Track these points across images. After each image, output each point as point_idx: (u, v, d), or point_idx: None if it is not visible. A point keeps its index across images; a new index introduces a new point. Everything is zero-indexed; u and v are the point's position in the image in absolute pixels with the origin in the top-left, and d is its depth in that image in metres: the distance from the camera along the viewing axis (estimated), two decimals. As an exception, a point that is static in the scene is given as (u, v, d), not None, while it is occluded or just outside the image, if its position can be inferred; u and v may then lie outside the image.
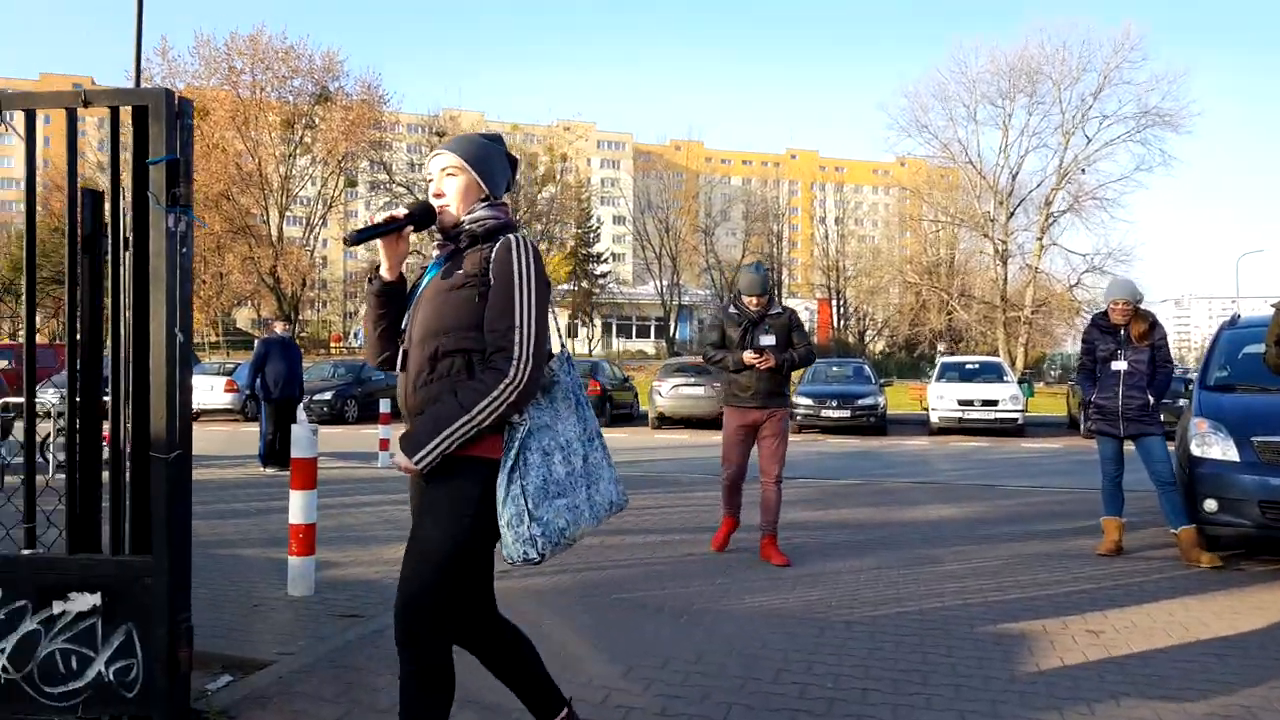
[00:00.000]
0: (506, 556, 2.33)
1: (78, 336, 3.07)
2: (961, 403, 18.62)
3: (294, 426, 5.13)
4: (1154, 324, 6.42)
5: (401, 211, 2.45)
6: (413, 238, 2.56)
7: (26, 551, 3.07)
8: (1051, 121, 46.45)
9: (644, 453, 14.63)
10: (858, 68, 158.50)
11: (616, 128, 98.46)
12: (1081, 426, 5.68)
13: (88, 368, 3.08)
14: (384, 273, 2.49)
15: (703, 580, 5.47)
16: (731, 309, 6.25)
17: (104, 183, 3.16)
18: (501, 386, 2.26)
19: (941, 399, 18.91)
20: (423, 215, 2.45)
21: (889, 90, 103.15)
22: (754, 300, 6.13)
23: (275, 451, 10.60)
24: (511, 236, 2.41)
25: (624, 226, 76.38)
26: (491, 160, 2.51)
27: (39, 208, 3.17)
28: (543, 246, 54.39)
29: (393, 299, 2.51)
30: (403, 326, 2.48)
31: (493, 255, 2.37)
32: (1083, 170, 45.41)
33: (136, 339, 3.01)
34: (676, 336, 58.88)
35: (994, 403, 18.46)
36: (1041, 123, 46.74)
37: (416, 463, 2.26)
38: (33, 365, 3.09)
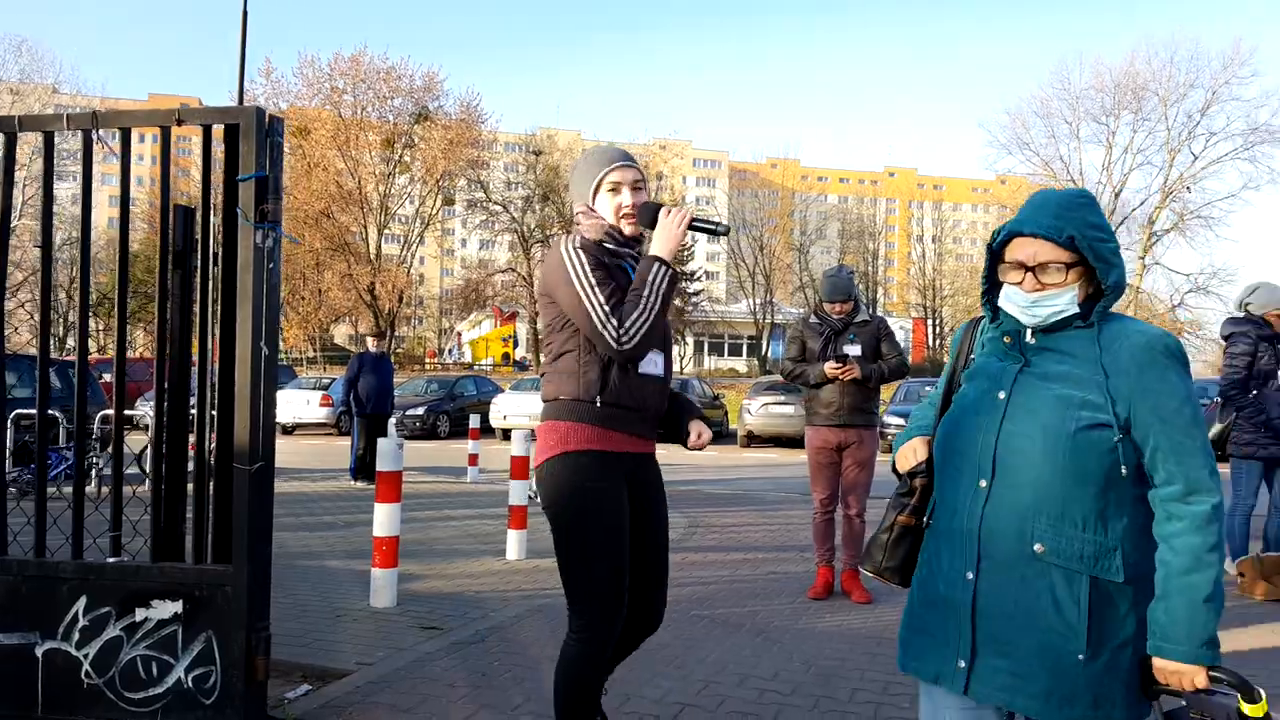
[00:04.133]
0: None
1: (167, 350, 3.15)
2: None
3: (381, 441, 5.22)
4: None
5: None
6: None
7: (112, 559, 3.15)
8: (1157, 139, 44.94)
9: (732, 470, 14.49)
10: (958, 85, 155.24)
11: (712, 145, 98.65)
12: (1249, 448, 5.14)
13: (176, 381, 3.16)
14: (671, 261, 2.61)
15: (785, 599, 5.33)
16: (813, 318, 5.64)
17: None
18: None
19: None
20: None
21: (990, 107, 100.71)
22: (837, 307, 5.51)
23: (366, 465, 10.83)
24: None
25: (718, 245, 76.25)
26: None
27: (144, 225, 3.27)
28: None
29: None
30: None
31: None
32: (1188, 188, 43.79)
33: (223, 353, 3.08)
34: (769, 355, 58.35)
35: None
36: (1146, 140, 45.32)
37: None
38: (122, 378, 3.18)
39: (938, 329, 66.58)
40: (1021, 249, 1.82)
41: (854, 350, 5.41)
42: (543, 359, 2.71)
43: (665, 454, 2.82)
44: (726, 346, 61.17)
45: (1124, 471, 1.72)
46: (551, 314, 2.62)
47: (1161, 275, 45.88)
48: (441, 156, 43.20)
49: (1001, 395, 1.82)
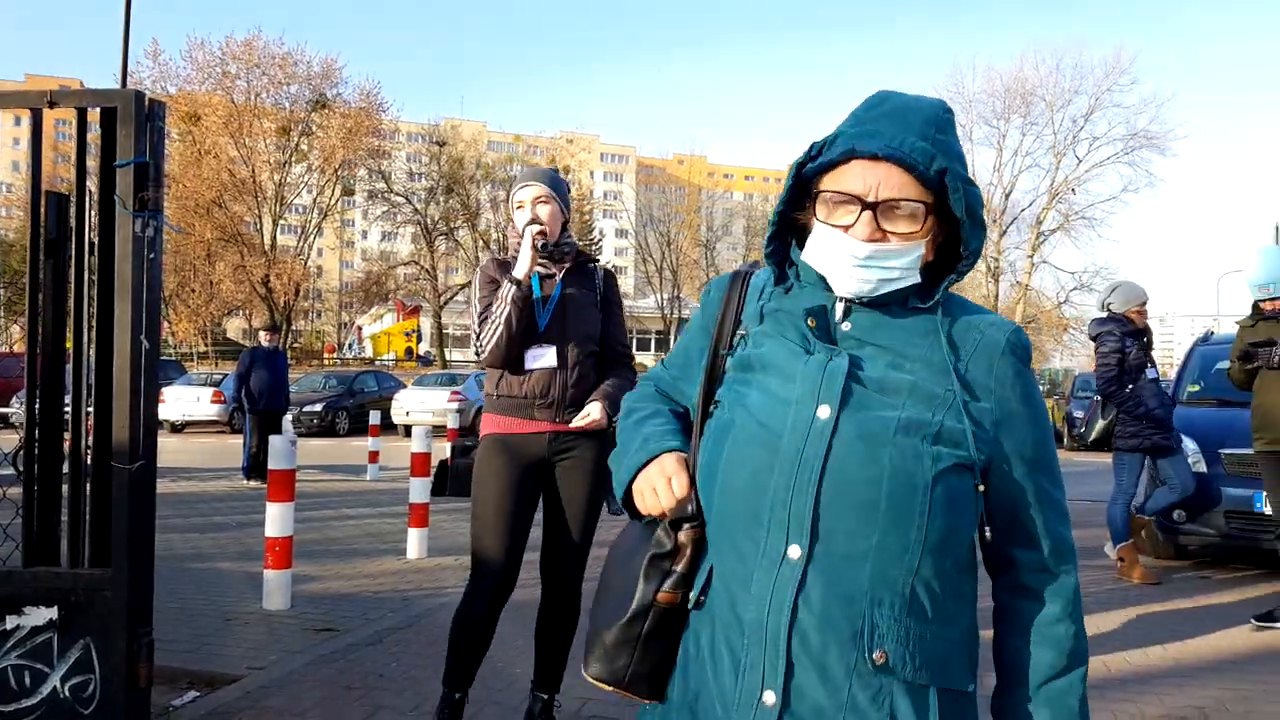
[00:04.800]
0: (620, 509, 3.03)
1: (38, 343, 2.99)
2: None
3: (272, 438, 5.06)
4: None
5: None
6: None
7: (-19, 564, 2.98)
8: (1044, 142, 46.93)
9: (635, 466, 14.55)
10: (861, 85, 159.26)
11: (620, 140, 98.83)
12: (1151, 439, 5.40)
13: (50, 376, 3.01)
14: (522, 279, 2.93)
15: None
16: None
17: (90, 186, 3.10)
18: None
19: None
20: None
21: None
22: None
23: (259, 464, 10.49)
24: (606, 267, 3.21)
25: (626, 240, 76.41)
26: (565, 188, 3.08)
27: (19, 212, 3.10)
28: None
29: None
30: (541, 328, 2.97)
31: (603, 280, 3.15)
32: (1073, 190, 45.92)
33: (100, 346, 2.94)
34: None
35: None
36: (1034, 143, 47.21)
37: (612, 422, 2.93)
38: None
39: (838, 324, 68.35)
40: (860, 175, 1.17)
41: None
42: None
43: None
44: (634, 341, 61.46)
45: (974, 532, 1.20)
46: None
47: (1049, 273, 48.01)
48: (340, 145, 42.05)
49: (824, 413, 1.16)
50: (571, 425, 2.94)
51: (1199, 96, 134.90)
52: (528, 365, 2.95)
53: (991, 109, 47.27)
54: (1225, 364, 5.52)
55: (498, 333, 2.88)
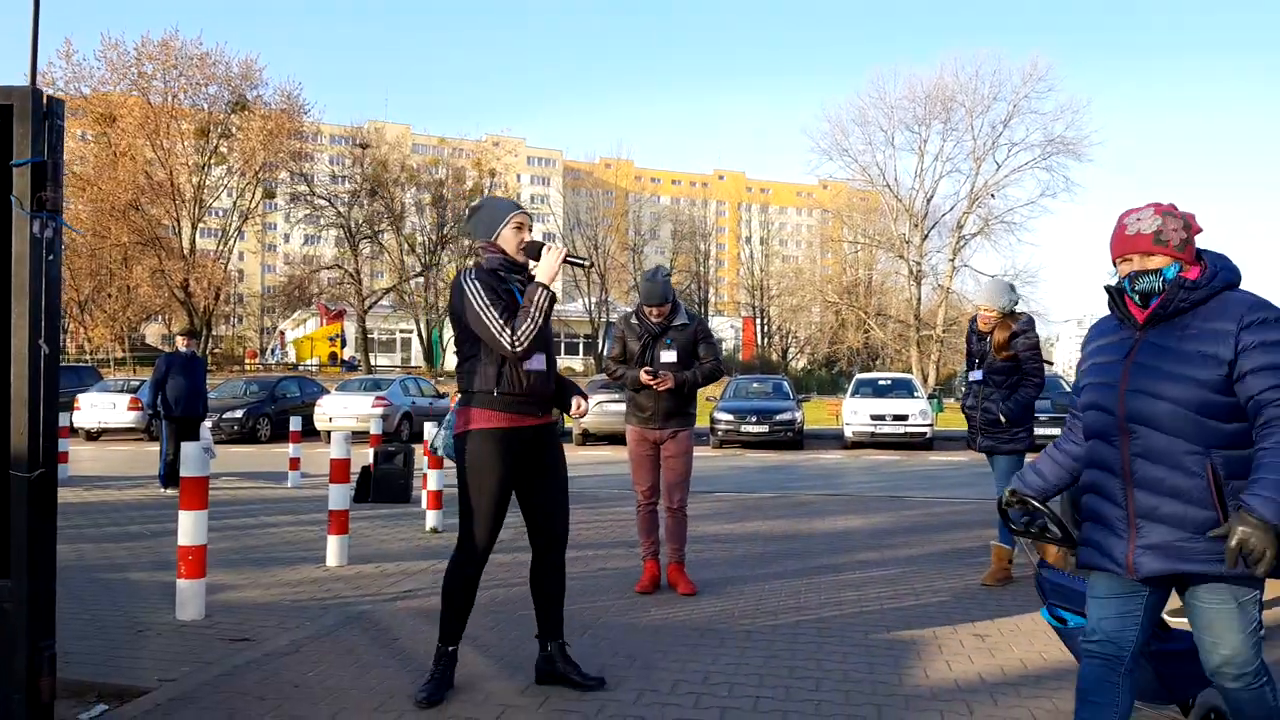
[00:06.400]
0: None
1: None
2: (874, 417, 18.98)
3: (185, 444, 4.95)
4: (1016, 333, 5.65)
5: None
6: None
7: None
8: (964, 148, 48.08)
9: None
10: (785, 91, 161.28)
11: (546, 144, 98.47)
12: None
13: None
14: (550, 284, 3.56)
15: (613, 595, 5.42)
16: (633, 319, 5.60)
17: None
18: None
19: (855, 414, 19.25)
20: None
21: (813, 114, 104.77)
22: (655, 310, 5.51)
23: (176, 471, 10.22)
24: None
25: (554, 243, 76.18)
26: None
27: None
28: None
29: None
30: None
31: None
32: (992, 195, 47.14)
33: (-3, 351, 2.86)
34: (604, 353, 58.74)
35: (904, 417, 18.87)
36: (955, 149, 48.34)
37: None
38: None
39: (766, 327, 69.19)
40: None
41: (669, 356, 5.47)
42: (455, 360, 3.74)
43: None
44: (563, 345, 61.23)
45: None
46: (459, 328, 3.59)
47: (970, 276, 49.13)
48: (261, 148, 41.08)
49: None
50: (572, 414, 3.77)
51: (1113, 102, 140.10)
52: (528, 367, 3.57)
53: (913, 115, 48.39)
54: None
55: (537, 327, 3.47)
